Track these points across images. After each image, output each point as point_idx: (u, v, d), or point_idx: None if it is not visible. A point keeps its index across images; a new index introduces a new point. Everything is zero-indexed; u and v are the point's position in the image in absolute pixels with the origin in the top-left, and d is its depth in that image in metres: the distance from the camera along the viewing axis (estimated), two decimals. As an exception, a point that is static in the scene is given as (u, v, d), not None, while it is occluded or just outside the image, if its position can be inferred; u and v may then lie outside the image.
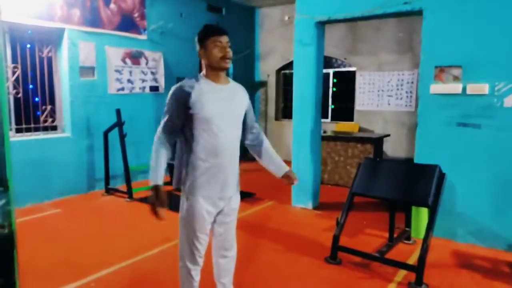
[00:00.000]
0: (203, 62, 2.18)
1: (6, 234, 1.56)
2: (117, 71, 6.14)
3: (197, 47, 2.18)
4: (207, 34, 2.13)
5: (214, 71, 2.17)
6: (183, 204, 2.23)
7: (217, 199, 2.23)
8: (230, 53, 2.14)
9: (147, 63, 6.57)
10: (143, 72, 6.53)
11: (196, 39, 2.19)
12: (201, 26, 2.24)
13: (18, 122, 5.23)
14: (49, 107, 5.56)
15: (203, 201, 2.19)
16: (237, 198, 2.38)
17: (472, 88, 3.77)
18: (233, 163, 2.27)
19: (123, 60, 6.22)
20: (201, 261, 2.31)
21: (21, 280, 2.84)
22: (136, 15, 6.33)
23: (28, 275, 3.19)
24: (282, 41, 8.59)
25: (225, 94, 2.19)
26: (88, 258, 3.55)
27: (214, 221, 2.32)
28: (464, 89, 3.82)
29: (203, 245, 2.29)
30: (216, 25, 2.22)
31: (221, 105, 2.15)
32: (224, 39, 2.13)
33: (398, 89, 7.36)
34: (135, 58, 6.40)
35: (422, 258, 3.04)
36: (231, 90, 2.24)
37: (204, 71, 2.20)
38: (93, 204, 5.38)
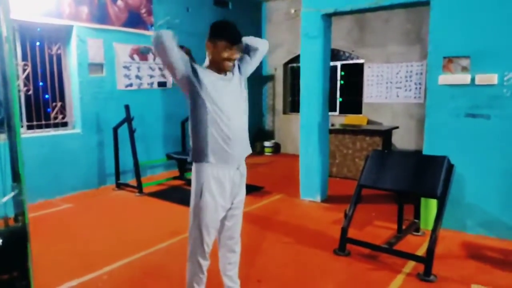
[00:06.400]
0: (207, 53, 2.21)
1: (20, 227, 1.61)
2: (125, 67, 6.18)
3: (207, 37, 2.18)
4: (222, 36, 2.13)
5: (216, 65, 2.20)
6: (197, 198, 2.24)
7: (230, 190, 2.27)
8: (235, 57, 2.18)
9: (154, 59, 6.60)
10: (151, 68, 6.58)
11: (209, 30, 2.18)
12: (211, 20, 2.26)
13: (29, 119, 5.31)
14: (59, 104, 5.63)
15: (217, 194, 2.21)
16: (244, 190, 2.41)
17: (481, 79, 3.74)
18: (244, 152, 2.31)
19: (131, 56, 6.26)
20: (209, 256, 2.35)
21: (34, 273, 2.90)
22: (143, 11, 6.36)
23: (40, 268, 3.25)
24: (289, 34, 8.56)
25: (229, 82, 2.24)
26: (100, 252, 3.61)
27: (224, 216, 2.35)
28: (472, 79, 3.78)
29: (213, 240, 2.33)
30: (233, 30, 2.16)
31: (228, 94, 2.21)
32: (236, 46, 2.16)
33: (407, 81, 7.29)
34: (143, 54, 6.44)
35: (430, 249, 3.04)
36: (231, 76, 2.28)
37: (206, 62, 2.23)
38: (104, 198, 5.46)
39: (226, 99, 2.17)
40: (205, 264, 2.33)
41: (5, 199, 1.46)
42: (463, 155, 3.85)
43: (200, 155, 2.19)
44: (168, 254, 3.54)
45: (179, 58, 2.06)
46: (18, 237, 1.61)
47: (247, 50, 2.39)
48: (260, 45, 2.41)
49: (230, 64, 2.19)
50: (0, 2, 1.38)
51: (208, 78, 2.16)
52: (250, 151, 2.37)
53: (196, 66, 2.16)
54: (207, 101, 2.13)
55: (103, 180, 6.02)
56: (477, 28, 3.73)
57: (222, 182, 2.22)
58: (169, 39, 2.00)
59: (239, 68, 2.35)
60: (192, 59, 2.17)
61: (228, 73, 2.26)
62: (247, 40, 2.38)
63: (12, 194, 1.49)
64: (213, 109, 2.14)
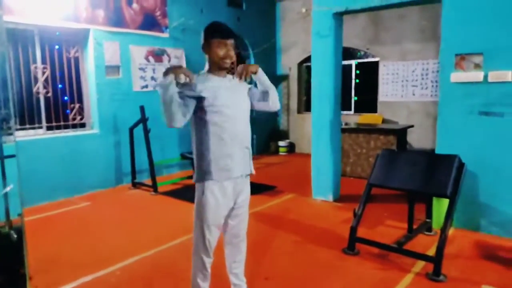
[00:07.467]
0: (206, 57, 2.26)
1: (15, 228, 1.68)
2: (141, 69, 6.32)
3: (202, 40, 2.25)
4: (213, 34, 2.19)
5: (215, 66, 2.25)
6: (199, 196, 2.29)
7: (232, 190, 2.31)
8: (231, 54, 2.22)
9: (169, 60, 6.72)
10: (165, 69, 6.68)
11: (202, 33, 2.25)
12: (225, 21, 2.32)
13: (48, 120, 5.49)
14: (77, 105, 5.81)
15: (218, 193, 2.26)
16: (248, 189, 2.44)
17: (494, 76, 3.67)
18: (245, 153, 2.34)
19: (147, 58, 6.39)
20: (212, 253, 2.39)
21: (50, 268, 3.01)
22: (158, 13, 6.48)
23: (57, 264, 3.40)
24: (303, 34, 8.55)
25: (231, 86, 2.28)
26: (115, 248, 3.72)
27: (228, 215, 2.39)
28: (485, 76, 3.72)
29: (215, 238, 2.37)
30: (223, 26, 2.23)
31: (231, 98, 2.24)
32: (229, 41, 2.20)
33: (423, 79, 7.20)
34: (158, 55, 6.56)
35: (439, 248, 3.01)
36: (234, 82, 2.33)
37: (206, 67, 2.28)
38: (121, 197, 5.60)
39: (229, 102, 2.21)
40: (208, 261, 2.37)
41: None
42: (477, 153, 3.79)
43: (205, 175, 2.23)
44: (179, 252, 3.62)
45: (184, 109, 2.11)
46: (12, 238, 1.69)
47: (262, 93, 2.45)
48: (272, 101, 2.45)
49: (228, 61, 2.23)
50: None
51: (210, 88, 2.17)
52: (251, 171, 2.40)
53: (197, 84, 2.17)
54: (208, 115, 2.18)
55: (120, 179, 6.17)
56: (490, 24, 3.67)
57: (223, 182, 2.27)
58: (168, 101, 2.04)
59: (249, 88, 2.42)
60: (189, 80, 2.16)
61: (234, 78, 2.31)
62: (271, 93, 2.43)
63: (8, 188, 1.57)
64: (215, 120, 2.18)
